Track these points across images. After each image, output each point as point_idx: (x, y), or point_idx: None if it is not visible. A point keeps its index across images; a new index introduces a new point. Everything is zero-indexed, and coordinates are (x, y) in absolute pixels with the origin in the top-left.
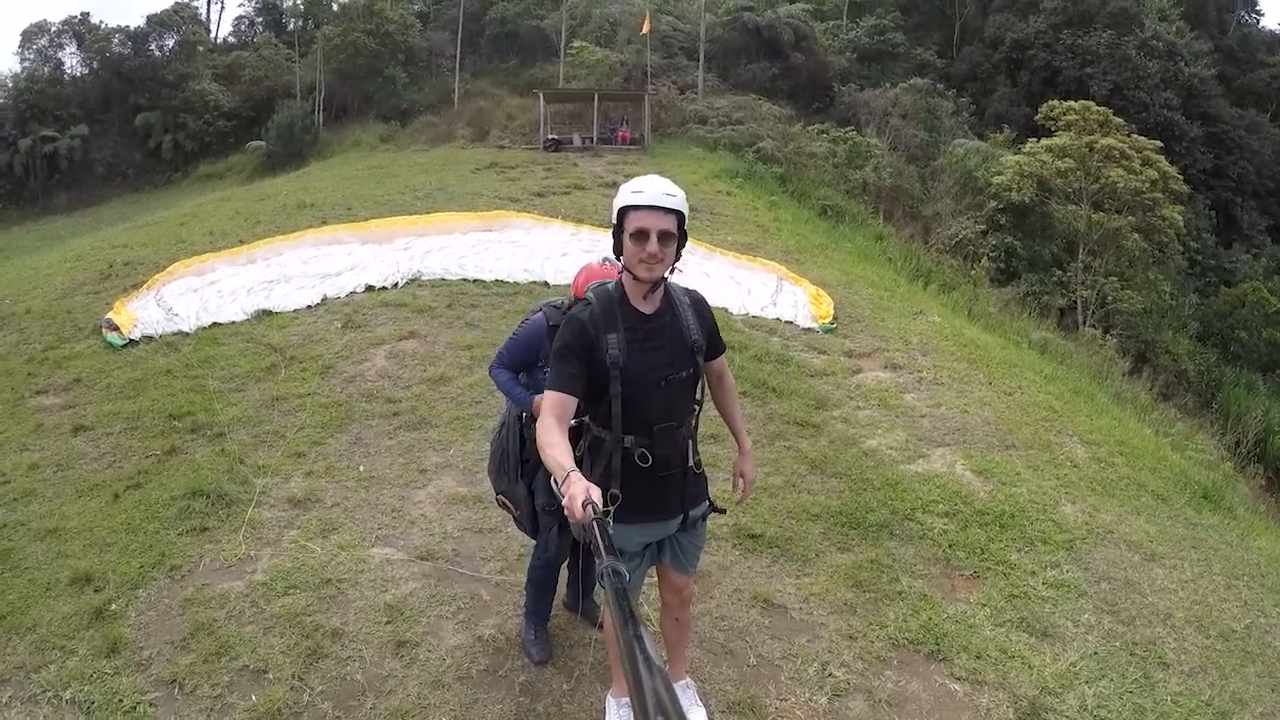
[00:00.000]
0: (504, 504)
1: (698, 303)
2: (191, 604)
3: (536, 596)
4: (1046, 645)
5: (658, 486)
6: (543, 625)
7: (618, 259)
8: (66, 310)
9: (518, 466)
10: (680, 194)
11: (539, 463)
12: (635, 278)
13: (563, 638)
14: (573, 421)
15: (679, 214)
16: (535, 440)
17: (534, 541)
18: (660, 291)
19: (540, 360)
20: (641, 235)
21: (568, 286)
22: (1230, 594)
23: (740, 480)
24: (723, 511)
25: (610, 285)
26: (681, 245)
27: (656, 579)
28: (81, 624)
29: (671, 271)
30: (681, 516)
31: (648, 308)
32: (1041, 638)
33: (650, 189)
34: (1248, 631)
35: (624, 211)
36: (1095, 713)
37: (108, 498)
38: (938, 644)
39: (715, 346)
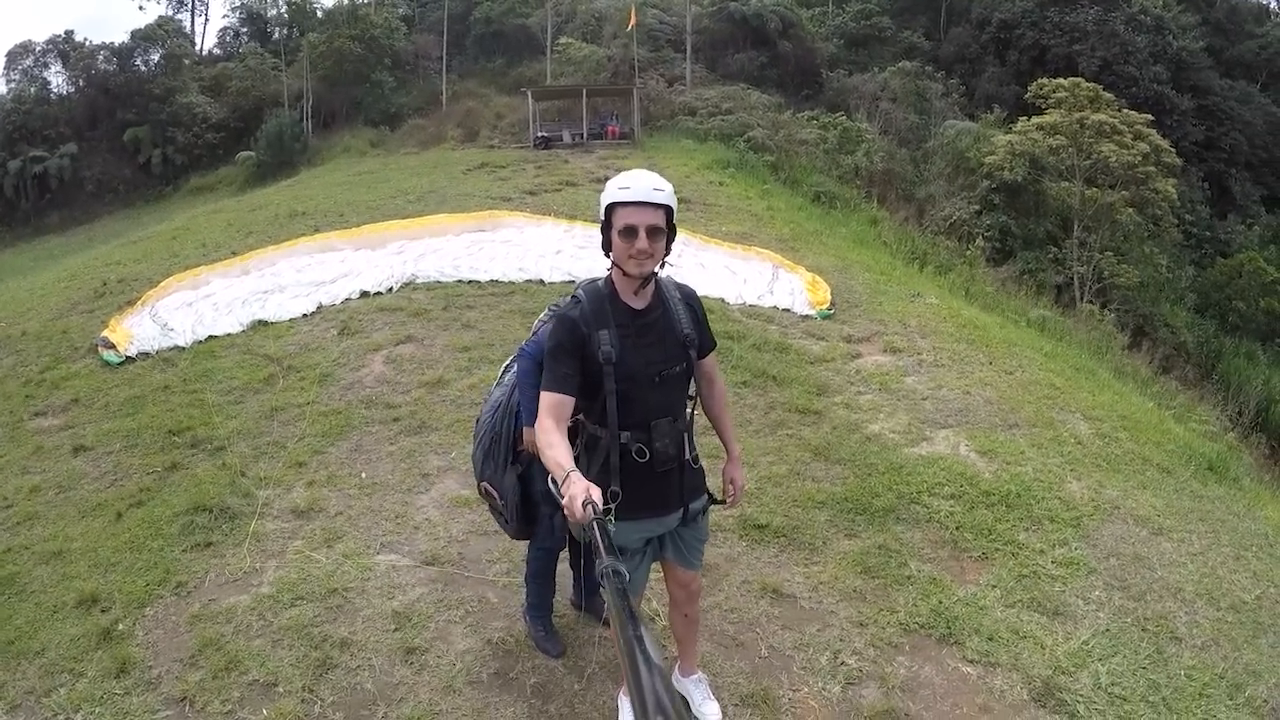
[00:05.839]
0: (488, 492)
1: (689, 297)
2: (199, 620)
3: (539, 591)
4: (1058, 624)
5: (656, 482)
6: (548, 618)
7: (607, 255)
8: (62, 330)
9: (508, 453)
10: (668, 188)
11: (532, 456)
12: (625, 274)
13: (572, 637)
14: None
15: (668, 208)
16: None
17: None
18: (651, 287)
19: None
20: (630, 231)
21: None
22: (1239, 565)
23: (730, 486)
24: (722, 503)
25: (600, 282)
26: (671, 239)
27: (663, 576)
28: (90, 645)
29: (662, 266)
30: (681, 511)
31: (639, 303)
32: (1053, 617)
33: (637, 184)
34: (1258, 602)
35: (612, 208)
36: (1109, 690)
37: (110, 517)
38: (949, 628)
39: (706, 343)
